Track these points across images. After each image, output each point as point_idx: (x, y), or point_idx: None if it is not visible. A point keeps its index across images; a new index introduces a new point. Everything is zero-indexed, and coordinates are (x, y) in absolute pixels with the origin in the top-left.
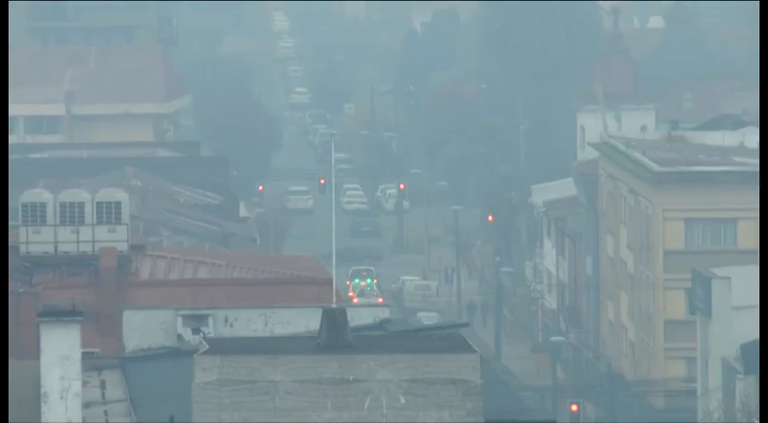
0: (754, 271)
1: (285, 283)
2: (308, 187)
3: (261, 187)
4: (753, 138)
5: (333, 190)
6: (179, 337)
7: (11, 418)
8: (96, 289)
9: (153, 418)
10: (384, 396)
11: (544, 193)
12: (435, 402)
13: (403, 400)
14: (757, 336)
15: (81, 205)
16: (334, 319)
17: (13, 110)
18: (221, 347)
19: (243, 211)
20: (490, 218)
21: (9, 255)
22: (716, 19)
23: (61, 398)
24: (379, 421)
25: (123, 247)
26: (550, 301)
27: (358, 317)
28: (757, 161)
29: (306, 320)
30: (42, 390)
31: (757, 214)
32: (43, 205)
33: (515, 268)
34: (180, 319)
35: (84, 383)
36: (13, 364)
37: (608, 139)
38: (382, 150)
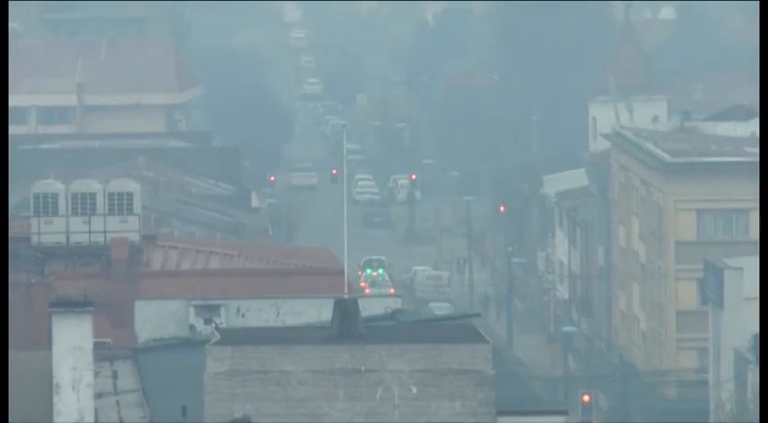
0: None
1: (297, 274)
2: (312, 164)
3: (272, 178)
4: None
5: (345, 180)
6: (191, 327)
7: (23, 408)
8: (108, 279)
9: (165, 409)
10: (396, 386)
11: (556, 183)
12: (447, 392)
13: (415, 391)
14: None
15: (93, 196)
16: (345, 310)
17: (25, 100)
18: (233, 338)
19: (254, 202)
20: (502, 208)
21: (20, 245)
22: (727, 10)
23: (73, 388)
24: (390, 411)
25: (135, 237)
26: (562, 292)
27: (370, 307)
28: None
29: (317, 311)
30: (54, 380)
31: None
32: (55, 196)
33: (527, 259)
34: (192, 310)
35: (96, 374)
36: (24, 354)
37: (620, 129)
38: (394, 141)
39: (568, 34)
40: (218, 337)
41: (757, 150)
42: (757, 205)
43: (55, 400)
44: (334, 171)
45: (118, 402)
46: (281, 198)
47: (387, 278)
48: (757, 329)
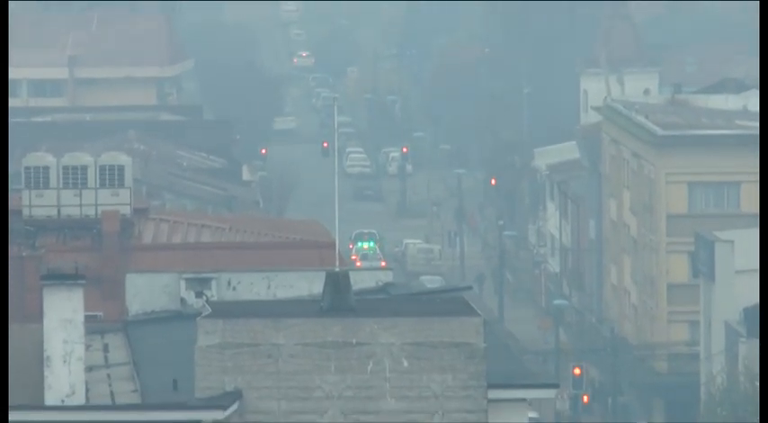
0: (756, 234)
1: (288, 247)
2: (293, 114)
3: (264, 150)
4: (755, 101)
5: (336, 153)
6: (182, 300)
7: (13, 381)
8: (99, 252)
9: (156, 382)
10: (387, 359)
11: (547, 156)
12: (438, 366)
13: (406, 364)
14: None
15: (84, 169)
16: (337, 283)
17: (17, 73)
18: (224, 311)
19: (246, 175)
20: (493, 182)
21: (12, 218)
22: None
23: (64, 361)
24: (381, 384)
25: (126, 210)
26: (553, 265)
27: (361, 280)
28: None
29: (309, 284)
30: (45, 353)
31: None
32: (46, 169)
33: (518, 232)
34: (183, 283)
35: (87, 347)
36: (15, 327)
37: (611, 102)
38: (385, 114)
39: (560, 7)
40: (209, 310)
41: (748, 123)
42: (748, 178)
43: (46, 373)
44: (324, 144)
45: (109, 375)
46: (272, 171)
47: (378, 251)
48: (748, 302)
